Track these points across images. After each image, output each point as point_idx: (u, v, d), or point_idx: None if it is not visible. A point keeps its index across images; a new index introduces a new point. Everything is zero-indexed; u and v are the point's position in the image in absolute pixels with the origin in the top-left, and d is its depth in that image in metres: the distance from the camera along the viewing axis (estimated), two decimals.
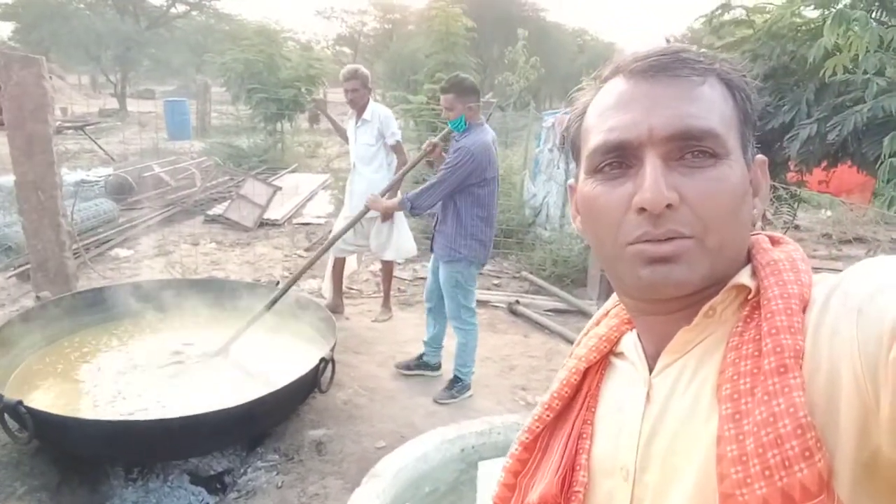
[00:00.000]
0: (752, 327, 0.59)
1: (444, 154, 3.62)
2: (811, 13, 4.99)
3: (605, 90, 0.67)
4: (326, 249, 4.01)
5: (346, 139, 4.94)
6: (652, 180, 0.59)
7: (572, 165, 6.50)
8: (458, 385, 3.70)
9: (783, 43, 4.88)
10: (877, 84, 3.48)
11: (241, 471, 2.93)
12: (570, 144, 0.72)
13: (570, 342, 4.48)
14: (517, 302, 5.16)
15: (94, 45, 25.13)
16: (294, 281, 3.66)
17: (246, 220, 7.59)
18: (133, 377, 3.27)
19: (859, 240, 7.94)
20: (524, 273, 6.02)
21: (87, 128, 13.44)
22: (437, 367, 3.98)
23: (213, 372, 3.37)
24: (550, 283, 5.71)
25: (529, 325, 4.89)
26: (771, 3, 5.39)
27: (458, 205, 3.48)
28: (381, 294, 5.06)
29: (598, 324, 0.80)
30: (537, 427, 0.77)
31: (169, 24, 29.26)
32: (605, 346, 0.76)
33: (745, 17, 5.55)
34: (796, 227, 8.10)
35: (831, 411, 0.52)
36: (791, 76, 4.78)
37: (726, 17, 5.75)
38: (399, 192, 4.12)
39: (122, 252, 6.33)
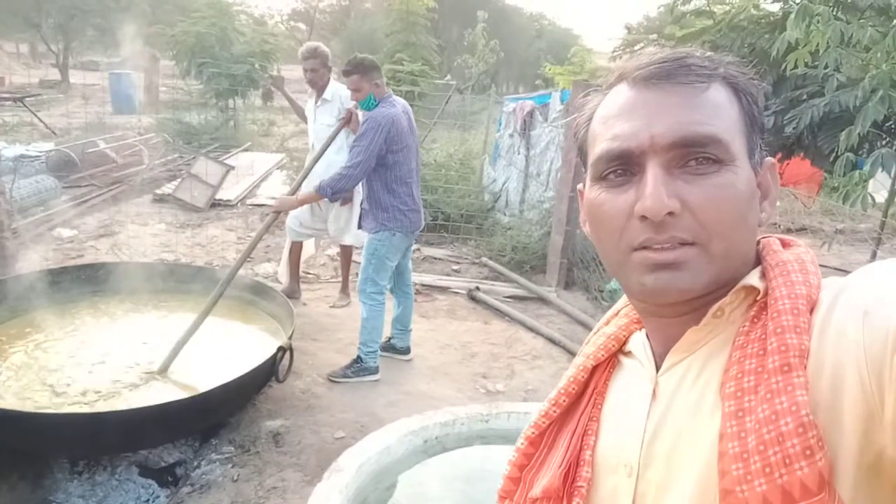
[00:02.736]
0: (758, 327, 0.60)
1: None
2: (770, 7, 5.07)
3: (610, 97, 0.67)
4: (265, 231, 3.66)
5: (304, 119, 4.80)
6: (652, 188, 0.60)
7: (533, 151, 6.53)
8: (356, 365, 3.58)
9: (743, 35, 4.94)
10: (836, 79, 3.54)
11: (195, 463, 2.82)
12: (578, 150, 0.73)
13: (530, 329, 4.49)
14: (477, 288, 5.13)
15: (35, 12, 23.85)
16: (227, 283, 3.34)
17: (197, 201, 7.34)
18: (77, 368, 3.10)
19: (805, 230, 8.20)
20: (484, 259, 5.99)
21: (27, 99, 12.76)
22: (406, 350, 3.92)
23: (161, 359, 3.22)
24: (510, 269, 5.70)
25: (490, 312, 4.87)
26: None
27: (373, 179, 3.46)
28: (340, 279, 4.96)
29: (607, 323, 0.81)
30: (544, 423, 0.77)
31: None
32: (614, 345, 0.77)
33: (706, 8, 5.62)
34: None
35: (835, 411, 0.52)
36: (750, 68, 4.86)
37: (687, 6, 5.81)
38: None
39: (64, 232, 6.03)
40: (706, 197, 0.60)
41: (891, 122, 4.14)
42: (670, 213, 0.59)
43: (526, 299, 5.18)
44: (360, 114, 3.68)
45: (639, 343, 0.74)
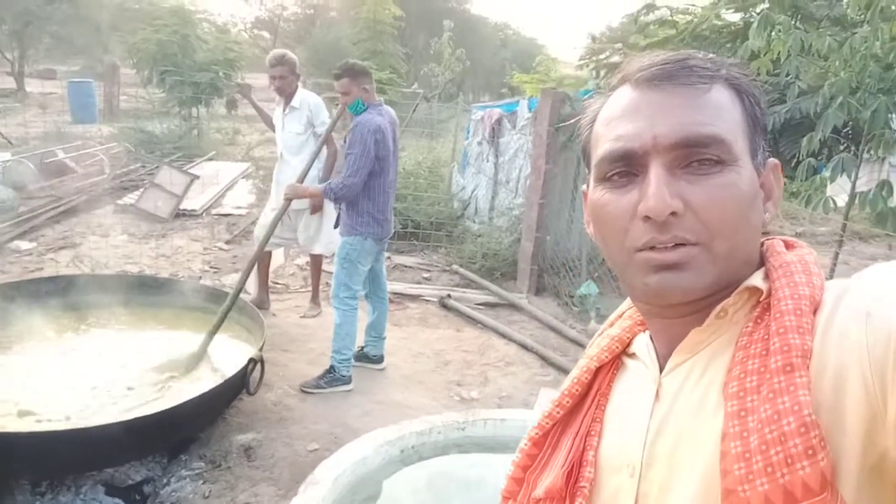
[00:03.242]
0: (761, 327, 0.60)
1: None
2: (732, 17, 5.20)
3: (613, 99, 0.68)
4: (263, 248, 3.80)
5: (272, 127, 4.74)
6: (654, 189, 0.60)
7: (501, 158, 6.57)
8: (329, 375, 3.54)
9: (706, 44, 5.05)
10: (797, 87, 3.63)
11: (164, 480, 2.74)
12: (582, 151, 0.74)
13: (503, 336, 4.49)
14: (448, 296, 5.12)
15: None
16: (237, 295, 3.40)
17: (161, 211, 7.18)
18: (39, 385, 2.99)
19: (767, 233, 8.39)
20: (455, 266, 5.99)
21: None
22: (380, 359, 3.88)
23: (130, 374, 3.13)
24: (481, 276, 5.70)
25: (462, 320, 4.86)
26: (694, 5, 5.58)
27: None
28: (310, 289, 4.90)
29: (611, 325, 0.81)
30: (547, 423, 0.77)
31: (73, 0, 27.37)
32: (618, 347, 0.77)
33: (670, 18, 5.73)
34: None
35: (837, 412, 0.52)
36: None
37: (651, 17, 5.92)
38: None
39: (22, 244, 5.84)
40: (709, 197, 0.60)
41: (849, 128, 4.27)
42: (673, 214, 0.60)
43: (497, 306, 5.19)
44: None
45: (642, 345, 0.74)
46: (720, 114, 0.62)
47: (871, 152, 3.44)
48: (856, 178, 3.25)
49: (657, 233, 0.61)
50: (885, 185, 3.20)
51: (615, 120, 0.65)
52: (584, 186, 0.74)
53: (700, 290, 0.62)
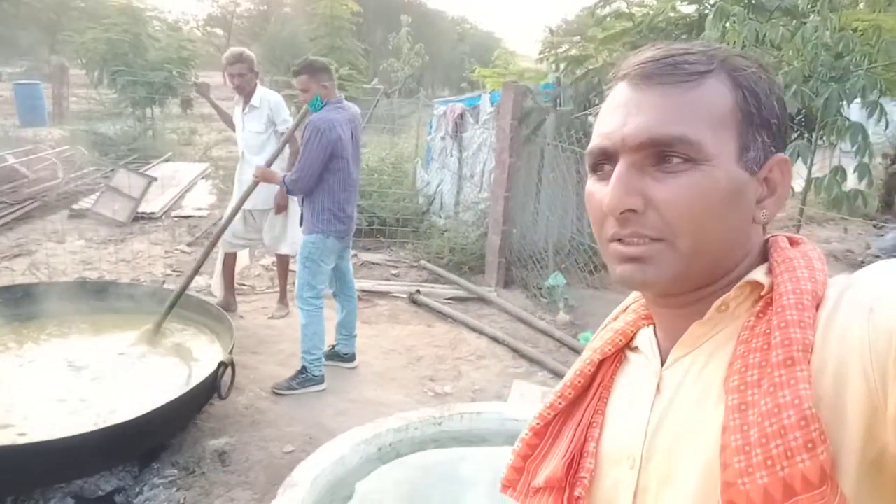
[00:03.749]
0: (763, 322, 0.60)
1: None
2: (687, 9, 5.29)
3: (610, 94, 0.69)
4: (215, 242, 3.77)
5: (231, 126, 4.65)
6: (611, 187, 0.63)
7: (465, 153, 6.58)
8: (300, 376, 3.52)
9: (662, 36, 5.13)
10: None
11: (136, 489, 2.67)
12: None
13: (474, 330, 4.51)
14: (418, 291, 5.12)
15: None
16: (187, 285, 3.38)
17: (118, 215, 7.01)
18: (1, 397, 2.90)
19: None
20: (422, 262, 5.98)
21: None
22: (351, 357, 3.86)
23: (97, 384, 3.06)
24: (449, 271, 5.71)
25: (432, 315, 4.86)
26: None
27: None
28: (277, 289, 4.84)
29: (616, 318, 0.82)
30: (549, 414, 0.78)
31: None
32: (621, 340, 0.77)
33: (626, 11, 5.80)
34: None
35: (838, 406, 0.53)
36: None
37: (607, 9, 5.99)
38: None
39: None
40: (672, 195, 0.61)
41: (802, 116, 4.39)
42: (632, 211, 0.61)
43: (467, 300, 5.20)
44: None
45: (645, 338, 0.75)
46: (696, 111, 0.61)
47: (825, 139, 3.55)
48: (811, 164, 3.35)
49: (619, 227, 0.63)
50: (838, 170, 3.31)
51: (603, 115, 0.68)
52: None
53: (664, 283, 0.63)
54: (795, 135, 4.34)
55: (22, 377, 3.08)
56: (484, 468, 2.46)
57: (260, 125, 4.33)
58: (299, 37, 13.27)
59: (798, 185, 3.63)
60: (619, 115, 0.64)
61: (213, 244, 3.74)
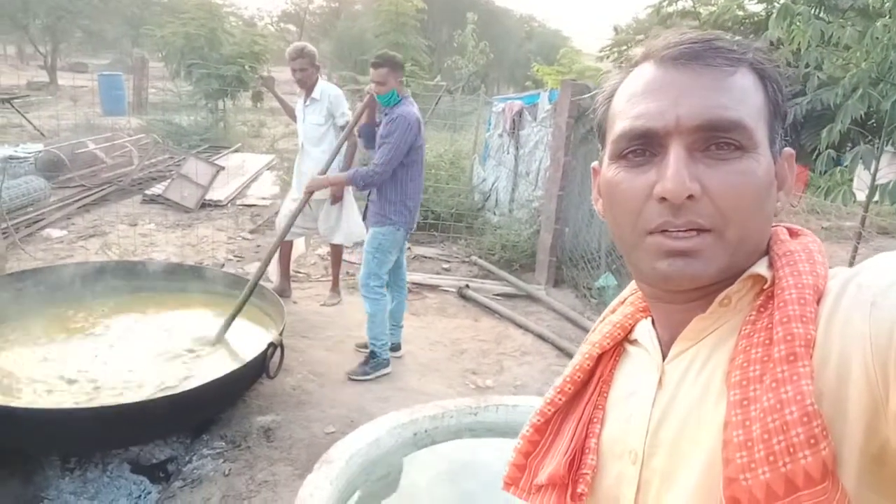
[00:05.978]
0: (765, 316, 0.60)
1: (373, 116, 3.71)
2: (755, 7, 5.14)
3: (635, 75, 0.66)
4: (283, 237, 3.89)
5: (294, 118, 4.82)
6: (675, 170, 0.59)
7: (522, 150, 6.58)
8: (372, 361, 3.66)
9: (728, 35, 5.01)
10: (818, 77, 3.60)
11: (186, 459, 2.83)
12: (596, 127, 0.72)
13: (520, 326, 4.53)
14: (467, 286, 5.17)
15: (22, 13, 23.67)
16: (260, 275, 3.52)
17: (187, 201, 7.33)
18: (70, 365, 3.11)
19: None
20: (474, 258, 6.03)
21: (15, 101, 12.68)
22: (397, 347, 3.95)
23: (156, 356, 3.24)
24: (499, 267, 5.73)
25: (479, 310, 4.91)
26: None
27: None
28: (330, 278, 4.98)
29: (613, 311, 0.81)
30: (549, 410, 0.77)
31: None
32: (620, 333, 0.76)
33: (692, 9, 5.68)
34: None
35: (840, 401, 0.52)
36: None
37: (673, 7, 5.88)
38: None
39: (54, 232, 6.03)
40: (727, 183, 0.59)
41: (872, 120, 4.21)
42: (690, 197, 0.58)
43: (515, 297, 5.22)
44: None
45: (645, 331, 0.74)
46: (744, 98, 0.61)
47: (892, 144, 3.40)
48: (875, 169, 3.21)
49: (671, 216, 0.60)
50: None
51: (637, 97, 0.64)
52: (595, 163, 0.73)
53: (708, 277, 0.61)
54: (866, 140, 4.17)
55: (88, 348, 3.29)
56: (506, 462, 2.48)
57: (320, 117, 4.46)
58: (367, 33, 13.48)
59: (860, 194, 3.48)
60: (664, 96, 0.61)
61: (281, 239, 3.86)
